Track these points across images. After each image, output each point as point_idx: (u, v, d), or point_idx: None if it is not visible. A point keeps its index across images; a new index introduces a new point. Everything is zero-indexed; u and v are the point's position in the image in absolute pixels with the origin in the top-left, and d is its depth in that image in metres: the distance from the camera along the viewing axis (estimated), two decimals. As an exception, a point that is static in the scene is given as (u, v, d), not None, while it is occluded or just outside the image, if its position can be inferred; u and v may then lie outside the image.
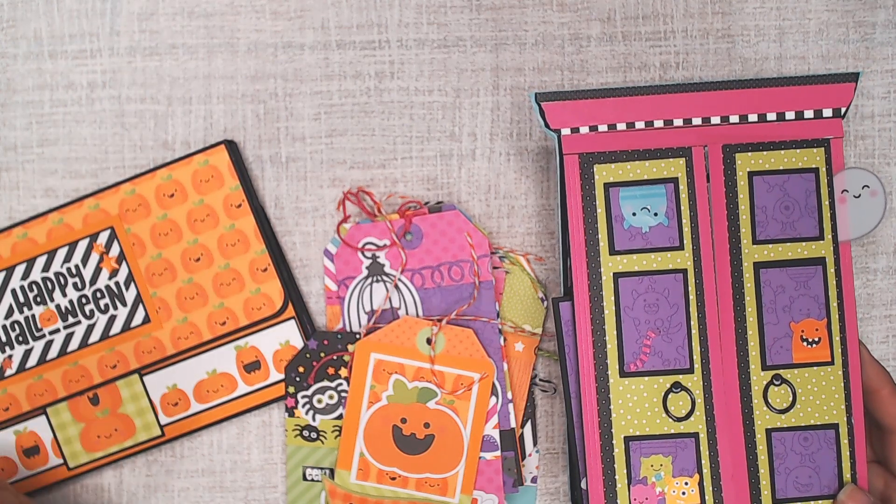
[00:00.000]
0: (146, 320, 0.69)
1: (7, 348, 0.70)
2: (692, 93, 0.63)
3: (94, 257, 0.69)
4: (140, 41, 0.71)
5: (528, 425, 0.70)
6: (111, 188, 0.70)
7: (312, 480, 0.69)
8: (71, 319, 0.69)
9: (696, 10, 0.71)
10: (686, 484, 0.62)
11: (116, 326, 0.69)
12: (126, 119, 0.71)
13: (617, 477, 0.62)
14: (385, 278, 0.69)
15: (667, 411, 0.62)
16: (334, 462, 0.69)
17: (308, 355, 0.69)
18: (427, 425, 0.68)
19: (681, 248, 0.62)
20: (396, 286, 0.69)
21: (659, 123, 0.63)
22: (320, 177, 0.71)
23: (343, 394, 0.69)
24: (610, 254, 0.63)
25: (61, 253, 0.69)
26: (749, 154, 0.63)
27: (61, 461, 0.70)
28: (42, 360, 0.70)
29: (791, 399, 0.62)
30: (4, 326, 0.70)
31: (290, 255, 0.71)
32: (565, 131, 0.63)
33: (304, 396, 0.69)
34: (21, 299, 0.70)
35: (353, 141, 0.71)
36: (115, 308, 0.69)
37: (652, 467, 0.62)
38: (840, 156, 0.63)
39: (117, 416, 0.70)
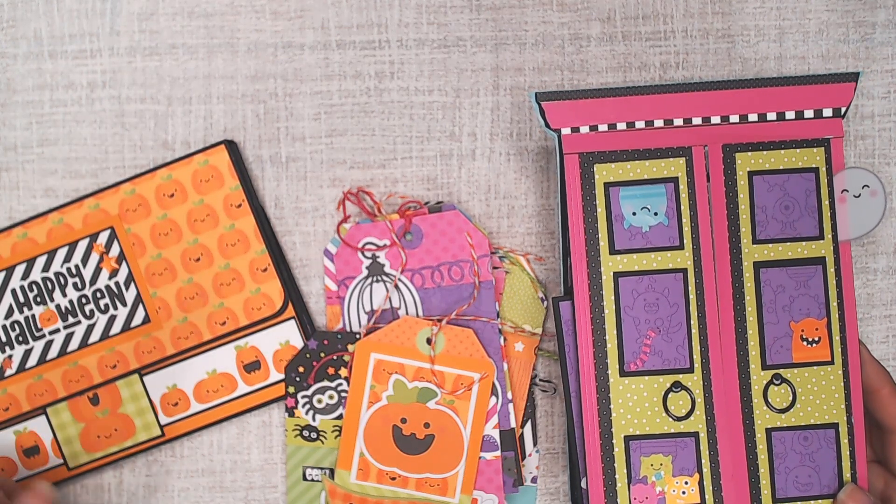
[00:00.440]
0: (146, 320, 0.69)
1: (7, 348, 0.70)
2: (692, 92, 0.63)
3: (94, 257, 0.69)
4: (140, 41, 0.71)
5: (528, 425, 0.70)
6: (111, 188, 0.70)
7: (312, 480, 0.69)
8: (71, 319, 0.69)
9: (696, 10, 0.71)
10: (686, 483, 0.62)
11: (116, 326, 0.69)
12: (126, 119, 0.71)
13: (617, 476, 0.62)
14: (385, 278, 0.69)
15: (667, 411, 0.62)
16: (334, 462, 0.69)
17: (308, 355, 0.69)
18: (427, 425, 0.68)
19: (681, 247, 0.62)
20: (396, 286, 0.69)
21: (659, 123, 0.63)
22: (320, 177, 0.71)
23: (343, 394, 0.69)
24: (610, 253, 0.63)
25: (61, 253, 0.69)
26: (749, 154, 0.63)
27: (61, 461, 0.70)
28: (42, 360, 0.70)
29: (791, 398, 0.62)
30: (4, 326, 0.70)
31: (290, 255, 0.71)
32: (565, 131, 0.63)
33: (304, 396, 0.69)
34: (21, 299, 0.70)
35: (353, 141, 0.71)
36: (115, 308, 0.69)
37: (652, 467, 0.62)
38: (840, 155, 0.63)
39: (117, 416, 0.70)
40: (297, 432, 0.69)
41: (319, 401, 0.69)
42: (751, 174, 0.63)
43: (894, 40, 0.71)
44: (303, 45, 0.71)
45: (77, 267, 0.69)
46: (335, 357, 0.69)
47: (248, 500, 0.71)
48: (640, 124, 0.63)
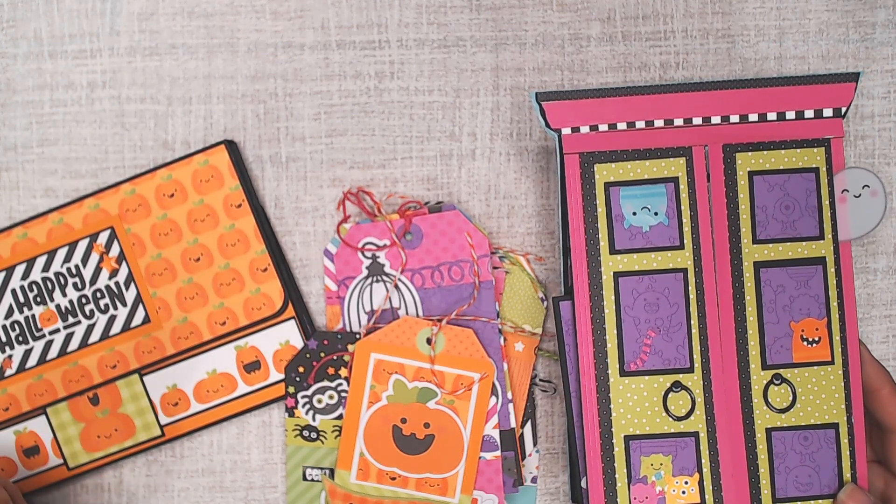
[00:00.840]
0: (146, 320, 0.69)
1: (7, 348, 0.70)
2: (693, 92, 0.63)
3: (94, 257, 0.69)
4: (140, 41, 0.71)
5: (528, 425, 0.70)
6: (111, 188, 0.70)
7: (312, 480, 0.69)
8: (71, 319, 0.69)
9: (696, 10, 0.71)
10: (686, 483, 0.62)
11: (116, 326, 0.69)
12: (126, 119, 0.71)
13: (617, 476, 0.62)
14: (385, 278, 0.69)
15: (667, 410, 0.62)
16: (334, 462, 0.69)
17: (308, 355, 0.69)
18: (427, 425, 0.68)
19: (681, 247, 0.62)
20: (396, 286, 0.69)
21: (659, 123, 0.63)
22: (320, 177, 0.71)
23: (343, 394, 0.69)
24: (610, 253, 0.63)
25: (61, 253, 0.69)
26: (749, 154, 0.63)
27: (61, 461, 0.70)
28: (42, 360, 0.70)
29: (791, 398, 0.62)
30: (4, 326, 0.70)
31: (290, 255, 0.71)
32: (566, 131, 0.63)
33: (304, 396, 0.69)
34: (21, 299, 0.70)
35: (353, 141, 0.71)
36: (115, 308, 0.69)
37: (652, 466, 0.62)
38: (840, 155, 0.63)
39: (117, 416, 0.70)
40: (297, 432, 0.69)
41: (319, 401, 0.69)
42: (751, 174, 0.63)
43: (894, 40, 0.71)
44: (303, 45, 0.71)
45: (77, 267, 0.69)
46: (335, 357, 0.69)
47: (248, 500, 0.71)
48: (640, 124, 0.63)
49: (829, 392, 0.62)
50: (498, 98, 0.71)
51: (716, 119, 0.63)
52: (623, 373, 0.62)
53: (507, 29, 0.71)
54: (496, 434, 0.68)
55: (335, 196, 0.71)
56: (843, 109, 0.63)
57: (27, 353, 0.70)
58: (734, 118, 0.63)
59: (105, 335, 0.69)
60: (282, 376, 0.70)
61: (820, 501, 0.62)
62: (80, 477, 0.71)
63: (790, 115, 0.63)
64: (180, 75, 0.71)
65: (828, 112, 0.63)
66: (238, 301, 0.69)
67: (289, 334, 0.70)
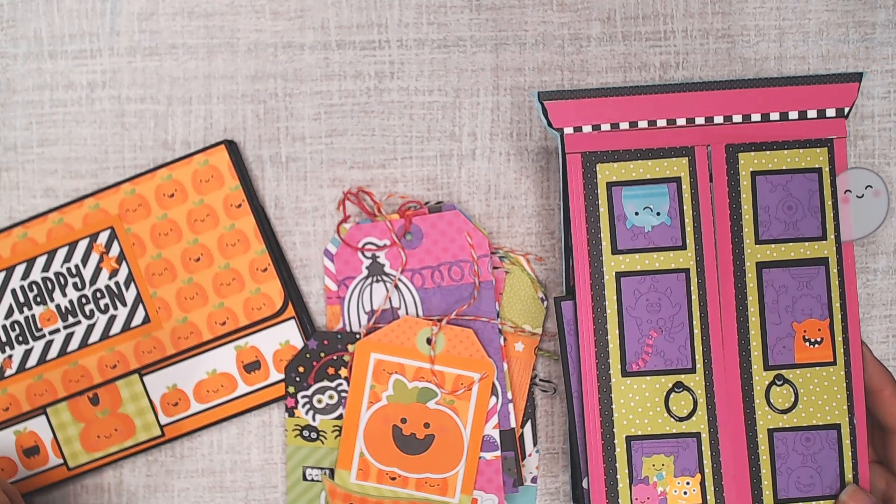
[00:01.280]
0: (146, 320, 0.69)
1: (7, 348, 0.70)
2: (695, 92, 0.63)
3: (94, 257, 0.69)
4: (140, 41, 0.71)
5: (528, 425, 0.70)
6: (111, 188, 0.70)
7: (312, 480, 0.69)
8: (71, 319, 0.69)
9: (696, 10, 0.71)
10: (688, 484, 0.62)
11: (116, 326, 0.69)
12: (126, 119, 0.71)
13: (618, 476, 0.62)
14: (385, 278, 0.69)
15: (669, 411, 0.62)
16: (334, 462, 0.69)
17: (308, 355, 0.69)
18: (427, 425, 0.68)
19: (683, 247, 0.62)
20: (396, 286, 0.69)
21: (662, 123, 0.63)
22: (320, 177, 0.71)
23: (343, 394, 0.69)
24: (612, 253, 0.63)
25: (61, 253, 0.69)
26: (752, 154, 0.63)
27: (61, 461, 0.70)
28: (42, 360, 0.69)
29: (793, 399, 0.62)
30: (4, 326, 0.70)
31: (290, 255, 0.71)
32: (568, 130, 0.63)
33: (304, 396, 0.69)
34: (21, 299, 0.70)
35: (353, 141, 0.71)
36: (115, 308, 0.69)
37: (654, 467, 0.62)
38: (843, 156, 0.63)
39: (117, 416, 0.70)
40: (297, 432, 0.69)
41: (319, 401, 0.69)
42: (754, 174, 0.63)
43: (894, 40, 0.71)
44: (303, 45, 0.71)
45: (77, 267, 0.69)
46: (335, 357, 0.69)
47: (248, 500, 0.71)
48: (642, 124, 0.63)
49: (831, 393, 0.62)
50: (498, 98, 0.71)
51: (718, 119, 0.63)
52: (625, 373, 0.62)
53: (507, 29, 0.71)
54: (496, 434, 0.68)
55: (335, 196, 0.71)
56: (847, 110, 0.63)
57: (27, 353, 0.69)
58: (737, 118, 0.63)
59: (105, 335, 0.69)
60: (282, 376, 0.70)
61: (822, 502, 0.62)
62: (80, 477, 0.71)
63: (793, 115, 0.63)
64: (180, 75, 0.71)
65: (831, 112, 0.63)
66: (238, 301, 0.69)
67: (289, 334, 0.70)
